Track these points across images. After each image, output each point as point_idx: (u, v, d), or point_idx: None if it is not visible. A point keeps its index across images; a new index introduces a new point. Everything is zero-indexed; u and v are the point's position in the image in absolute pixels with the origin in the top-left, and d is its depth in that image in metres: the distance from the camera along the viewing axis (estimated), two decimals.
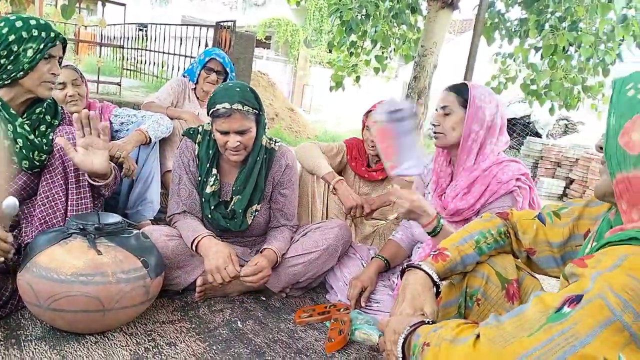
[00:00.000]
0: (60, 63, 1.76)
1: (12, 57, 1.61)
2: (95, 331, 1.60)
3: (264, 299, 2.04)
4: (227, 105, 1.83)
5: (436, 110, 1.83)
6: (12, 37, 1.60)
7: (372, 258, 2.06)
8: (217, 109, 1.84)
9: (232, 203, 2.01)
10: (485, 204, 1.77)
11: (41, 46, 1.63)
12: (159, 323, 1.75)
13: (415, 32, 7.03)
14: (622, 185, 0.89)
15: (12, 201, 1.59)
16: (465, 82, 1.84)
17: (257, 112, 1.92)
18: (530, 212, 1.41)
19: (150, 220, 2.56)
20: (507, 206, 1.69)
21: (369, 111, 2.40)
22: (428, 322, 1.07)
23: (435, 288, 1.25)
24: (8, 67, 1.62)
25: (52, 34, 1.67)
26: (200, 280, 1.90)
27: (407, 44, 7.29)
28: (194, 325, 1.76)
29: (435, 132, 1.82)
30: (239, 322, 1.83)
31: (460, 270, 1.32)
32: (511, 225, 1.39)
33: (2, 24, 1.62)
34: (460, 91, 1.79)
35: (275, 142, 2.09)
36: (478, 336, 0.87)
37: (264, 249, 1.98)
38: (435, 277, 1.25)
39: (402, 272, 1.31)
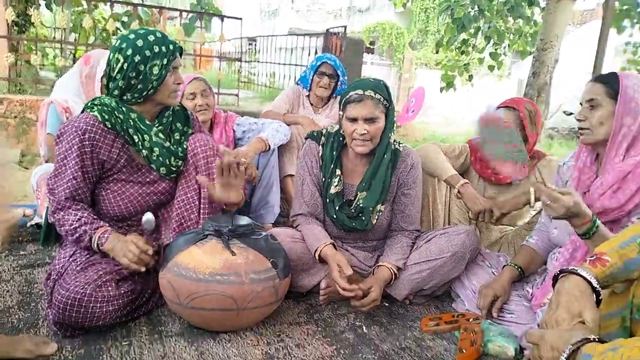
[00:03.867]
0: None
1: (140, 77, 1.68)
2: (229, 329, 1.67)
3: (386, 305, 1.99)
4: (359, 91, 1.87)
5: (581, 104, 1.67)
6: (137, 58, 1.65)
7: (504, 266, 1.93)
8: (350, 95, 1.88)
9: (356, 200, 1.99)
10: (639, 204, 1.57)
11: (164, 62, 1.69)
12: (287, 324, 1.78)
13: (532, 25, 6.61)
14: None
15: (150, 217, 1.71)
16: (615, 72, 1.65)
17: (387, 104, 1.91)
18: None
19: (271, 223, 2.64)
20: None
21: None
22: (594, 339, 0.95)
23: (594, 296, 1.12)
24: (139, 87, 1.69)
25: (171, 46, 1.72)
26: (324, 283, 1.89)
27: (522, 38, 6.87)
28: (319, 329, 1.77)
29: (581, 128, 1.66)
30: (364, 327, 1.80)
31: (623, 278, 1.16)
32: None
33: (125, 44, 1.66)
34: (609, 81, 1.61)
35: (399, 143, 2.04)
36: None
37: (380, 265, 1.94)
38: (595, 283, 1.11)
39: (554, 280, 1.19)
